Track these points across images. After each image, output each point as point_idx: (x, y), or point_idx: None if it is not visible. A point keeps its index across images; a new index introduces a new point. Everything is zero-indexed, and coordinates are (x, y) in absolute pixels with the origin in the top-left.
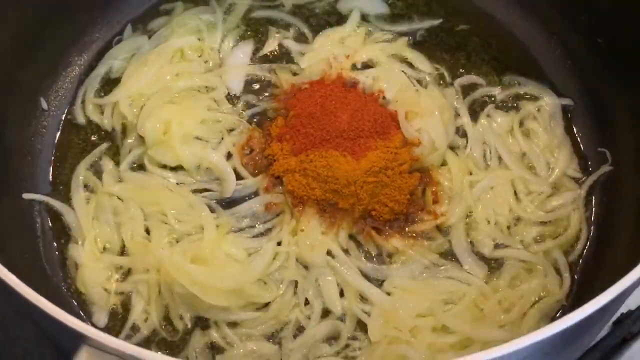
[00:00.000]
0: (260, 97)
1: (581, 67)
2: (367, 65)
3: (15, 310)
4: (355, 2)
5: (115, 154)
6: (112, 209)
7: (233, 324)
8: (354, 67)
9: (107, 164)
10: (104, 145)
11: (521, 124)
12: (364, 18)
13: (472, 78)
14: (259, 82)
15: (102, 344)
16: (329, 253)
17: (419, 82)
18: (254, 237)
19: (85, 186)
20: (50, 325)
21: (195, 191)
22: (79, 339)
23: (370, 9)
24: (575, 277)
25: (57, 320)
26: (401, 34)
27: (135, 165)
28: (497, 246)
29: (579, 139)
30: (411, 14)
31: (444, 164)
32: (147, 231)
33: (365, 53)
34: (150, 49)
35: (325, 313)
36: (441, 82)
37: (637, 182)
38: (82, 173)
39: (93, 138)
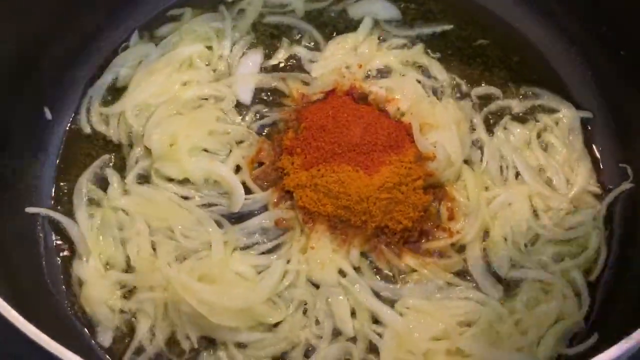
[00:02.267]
0: (270, 108)
1: (602, 78)
2: (381, 73)
3: None
4: (367, 7)
5: (121, 166)
6: (118, 224)
7: (241, 345)
8: (368, 74)
9: (113, 177)
10: (106, 157)
11: (539, 136)
12: (376, 23)
13: (489, 89)
14: (269, 92)
15: None
16: (340, 272)
17: (435, 91)
18: (262, 253)
19: (91, 199)
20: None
21: (202, 206)
22: None
23: (382, 15)
24: (595, 299)
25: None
26: (414, 39)
27: (141, 177)
28: (513, 266)
29: (598, 154)
30: (424, 20)
31: (459, 178)
32: (154, 247)
33: (380, 60)
34: (158, 57)
35: (336, 334)
36: (457, 93)
37: None
38: (84, 185)
39: (98, 149)
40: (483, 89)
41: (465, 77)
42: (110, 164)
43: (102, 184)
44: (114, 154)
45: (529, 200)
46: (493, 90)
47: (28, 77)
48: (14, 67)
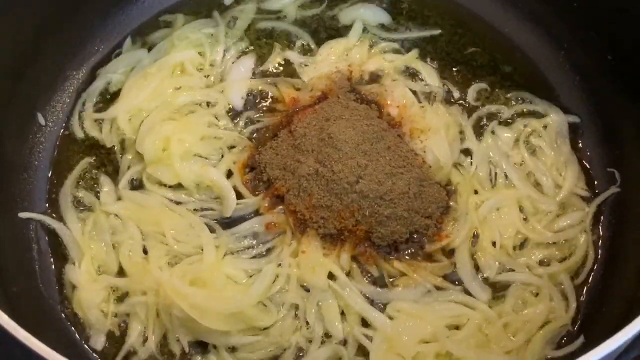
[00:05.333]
0: (262, 113)
1: (590, 83)
2: (372, 77)
3: None
4: (358, 12)
5: (114, 171)
6: (110, 228)
7: (232, 348)
8: (360, 79)
9: (105, 182)
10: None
11: (527, 141)
12: (366, 28)
13: (480, 85)
14: (261, 97)
15: None
16: (330, 275)
17: (426, 96)
18: (254, 257)
19: (83, 205)
20: None
21: (194, 210)
22: None
23: (373, 20)
24: (582, 301)
25: None
26: (404, 44)
27: (134, 182)
28: (502, 269)
29: (586, 158)
30: (414, 25)
31: (448, 183)
32: (146, 251)
33: (373, 64)
34: (150, 63)
35: (327, 337)
36: (447, 98)
37: None
38: (69, 190)
39: (91, 154)
40: (476, 86)
41: (454, 82)
42: (103, 170)
43: (95, 189)
44: (106, 159)
45: (517, 204)
46: (484, 85)
47: (21, 82)
48: (7, 72)
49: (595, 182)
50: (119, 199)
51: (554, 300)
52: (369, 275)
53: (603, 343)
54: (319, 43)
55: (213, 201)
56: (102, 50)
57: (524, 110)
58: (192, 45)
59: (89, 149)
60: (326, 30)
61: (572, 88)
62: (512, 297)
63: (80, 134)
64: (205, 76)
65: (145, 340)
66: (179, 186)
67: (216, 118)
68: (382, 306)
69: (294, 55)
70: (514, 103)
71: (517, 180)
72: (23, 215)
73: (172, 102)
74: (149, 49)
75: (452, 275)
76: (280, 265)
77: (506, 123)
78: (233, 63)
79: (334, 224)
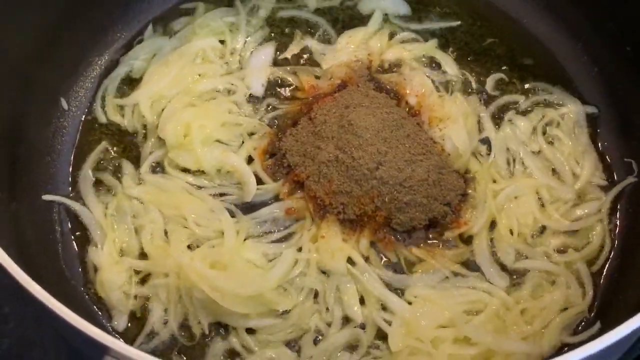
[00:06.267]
0: (282, 100)
1: (608, 75)
2: (392, 67)
3: (35, 315)
4: (377, 2)
5: (136, 156)
6: (132, 212)
7: (252, 331)
8: (379, 68)
9: (127, 166)
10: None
11: (545, 130)
12: (386, 18)
13: (497, 75)
14: (281, 85)
15: (125, 355)
16: (349, 260)
17: (445, 86)
18: (273, 242)
19: (105, 188)
20: (73, 334)
21: (215, 195)
22: (101, 350)
23: (392, 10)
24: (599, 289)
25: (80, 331)
26: (424, 34)
27: (155, 167)
28: (519, 256)
29: (603, 149)
30: (432, 15)
31: (467, 171)
32: (167, 235)
33: (392, 54)
34: (171, 50)
35: (346, 321)
36: (466, 88)
37: None
38: (88, 173)
39: (113, 139)
40: (494, 76)
41: (473, 72)
42: (125, 154)
43: (117, 173)
44: (128, 144)
45: (535, 192)
46: (502, 75)
47: (44, 68)
48: (30, 58)
49: (613, 172)
50: (141, 183)
51: (570, 288)
52: (388, 260)
53: (617, 327)
54: (339, 32)
55: (233, 186)
56: (124, 37)
57: (542, 100)
58: (213, 33)
59: (112, 134)
60: (346, 19)
61: (590, 79)
62: (530, 284)
63: (102, 119)
64: (225, 64)
65: (166, 321)
66: (200, 171)
67: (237, 105)
68: (401, 292)
69: (314, 44)
70: (531, 93)
71: (535, 169)
72: (46, 197)
73: (193, 89)
74: (171, 37)
75: (470, 262)
76: (300, 250)
77: (524, 113)
78: (253, 51)
79: (353, 210)
